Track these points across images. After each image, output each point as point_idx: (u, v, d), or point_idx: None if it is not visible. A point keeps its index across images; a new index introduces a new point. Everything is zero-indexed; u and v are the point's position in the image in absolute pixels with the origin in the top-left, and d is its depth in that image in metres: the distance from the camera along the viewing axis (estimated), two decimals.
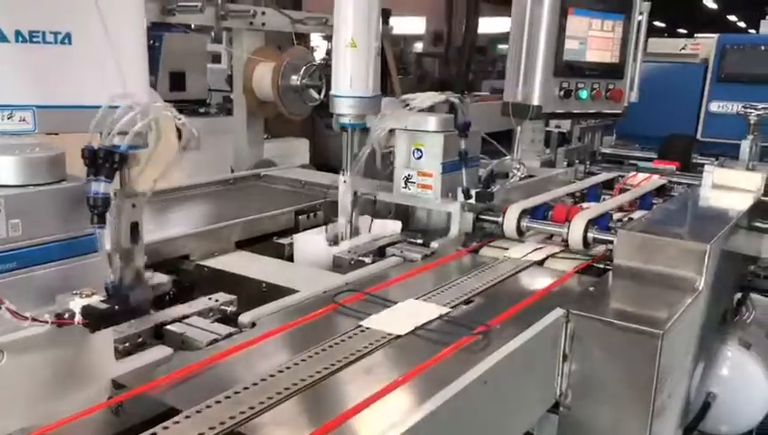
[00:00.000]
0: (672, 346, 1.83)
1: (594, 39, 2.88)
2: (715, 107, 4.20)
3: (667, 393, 1.92)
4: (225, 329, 1.63)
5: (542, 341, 1.75)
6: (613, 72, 2.99)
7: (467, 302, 1.90)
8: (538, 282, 2.12)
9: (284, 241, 2.39)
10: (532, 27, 2.76)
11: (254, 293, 1.99)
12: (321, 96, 5.91)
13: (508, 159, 2.95)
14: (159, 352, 1.50)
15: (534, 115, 2.83)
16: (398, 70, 11.74)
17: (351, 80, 2.32)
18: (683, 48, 4.73)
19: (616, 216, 2.86)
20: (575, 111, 2.94)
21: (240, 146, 6.01)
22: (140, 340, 1.58)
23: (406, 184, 2.59)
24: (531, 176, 3.39)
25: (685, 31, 27.78)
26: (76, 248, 1.30)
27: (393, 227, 2.54)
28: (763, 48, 4.12)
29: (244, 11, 5.56)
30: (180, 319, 1.67)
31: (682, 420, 2.54)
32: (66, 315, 1.24)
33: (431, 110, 2.66)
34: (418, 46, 23.72)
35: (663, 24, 28.86)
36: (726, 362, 3.11)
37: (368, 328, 1.66)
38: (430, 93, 2.71)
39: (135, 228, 1.59)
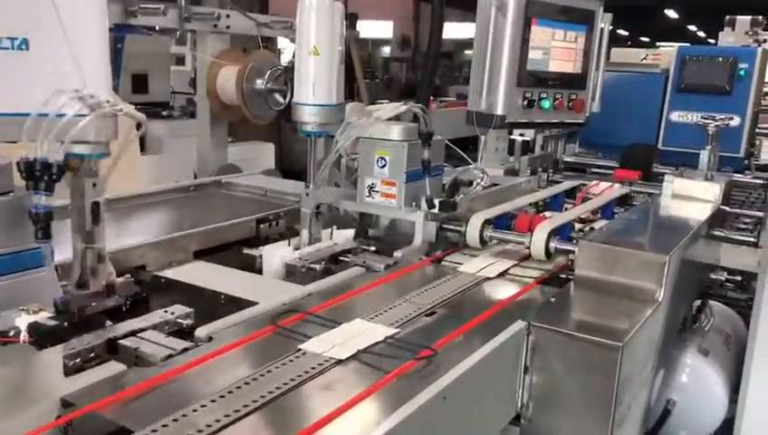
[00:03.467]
0: (632, 358, 1.84)
1: (557, 49, 2.90)
2: (675, 116, 4.25)
3: (626, 404, 1.93)
4: (180, 344, 1.58)
5: (503, 353, 1.75)
6: (576, 82, 3.02)
7: (429, 313, 1.88)
8: (500, 293, 2.12)
9: (251, 252, 2.35)
10: (496, 37, 2.77)
11: (212, 305, 1.94)
12: (286, 100, 5.88)
13: (473, 167, 2.95)
14: (111, 368, 1.45)
15: (498, 125, 2.83)
16: (364, 74, 11.74)
17: (314, 88, 2.29)
18: (644, 58, 4.79)
19: (578, 225, 2.88)
20: (538, 121, 2.95)
21: (203, 150, 5.94)
22: (93, 355, 1.53)
23: (369, 193, 2.57)
24: (495, 184, 3.40)
25: (647, 39, 28.35)
26: (22, 263, 1.26)
27: (348, 234, 2.52)
28: (720, 60, 4.19)
29: (207, 13, 5.51)
30: (135, 333, 1.62)
31: (642, 428, 2.56)
32: (12, 333, 1.20)
33: (396, 119, 2.66)
34: (386, 50, 23.78)
35: (626, 33, 29.40)
36: (685, 370, 3.16)
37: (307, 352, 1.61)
38: (394, 104, 2.71)
39: (96, 208, 1.55)
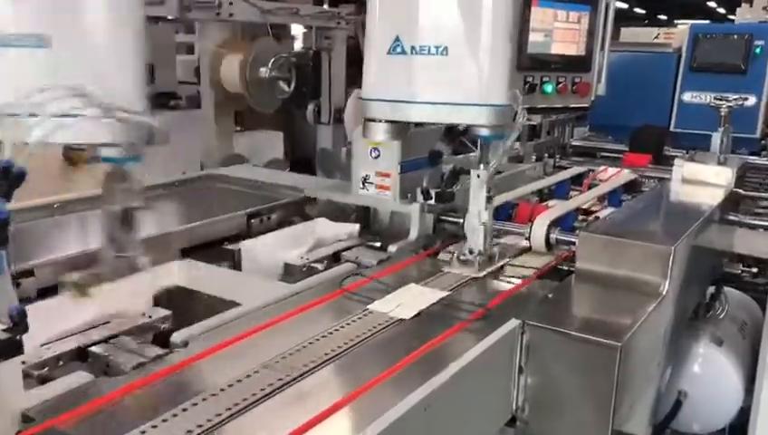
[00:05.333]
0: (633, 356, 1.75)
1: (559, 31, 2.77)
2: (688, 97, 4.11)
3: (628, 404, 1.84)
4: (154, 350, 1.52)
5: (496, 354, 1.67)
6: (580, 64, 2.88)
7: (418, 314, 1.80)
8: (496, 288, 2.02)
9: (233, 247, 2.27)
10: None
11: (196, 306, 1.88)
12: (291, 88, 5.80)
13: (474, 155, 2.84)
14: (77, 378, 1.39)
15: None
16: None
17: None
18: (656, 37, 4.65)
19: (591, 209, 2.78)
20: (540, 106, 2.82)
21: (209, 140, 5.88)
22: (61, 364, 1.47)
23: (364, 185, 2.49)
24: (499, 172, 3.29)
25: (665, 18, 27.83)
26: None
27: (351, 230, 2.44)
28: (735, 37, 4.03)
29: (209, 2, 5.41)
30: (108, 339, 1.56)
31: (649, 423, 2.47)
32: None
33: None
34: None
35: (643, 11, 28.86)
36: (698, 360, 3.06)
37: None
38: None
39: (129, 215, 1.47)
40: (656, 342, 2.05)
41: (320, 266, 2.16)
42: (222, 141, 5.91)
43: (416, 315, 1.75)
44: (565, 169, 3.46)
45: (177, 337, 1.59)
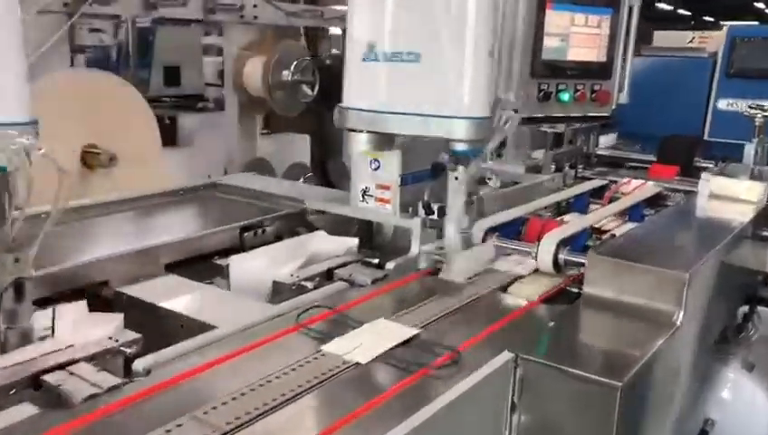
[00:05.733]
0: (638, 395, 1.60)
1: (577, 36, 2.62)
2: (723, 105, 3.90)
3: None
4: (111, 380, 1.41)
5: (486, 389, 1.53)
6: (599, 71, 2.73)
7: (406, 341, 1.66)
8: (494, 313, 1.87)
9: (223, 262, 2.17)
10: (506, 23, 2.51)
11: (172, 328, 1.78)
12: (314, 92, 5.70)
13: (489, 166, 2.71)
14: (19, 413, 1.29)
15: None
16: None
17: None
18: (690, 41, 4.43)
19: (608, 225, 2.61)
20: (556, 115, 2.68)
21: (232, 144, 5.83)
22: (14, 393, 1.38)
23: (363, 197, 2.37)
24: (516, 183, 3.14)
25: (711, 19, 27.04)
26: None
27: (349, 244, 2.32)
28: None
29: (232, 4, 5.36)
30: (66, 364, 1.46)
31: None
32: None
33: None
34: None
35: (688, 13, 28.08)
36: (727, 385, 2.88)
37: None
38: None
39: (20, 287, 1.41)
40: (668, 376, 1.88)
41: (309, 285, 2.04)
42: (245, 145, 5.86)
43: (375, 359, 1.52)
44: (588, 180, 3.28)
45: (139, 364, 1.50)
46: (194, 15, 5.24)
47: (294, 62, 5.42)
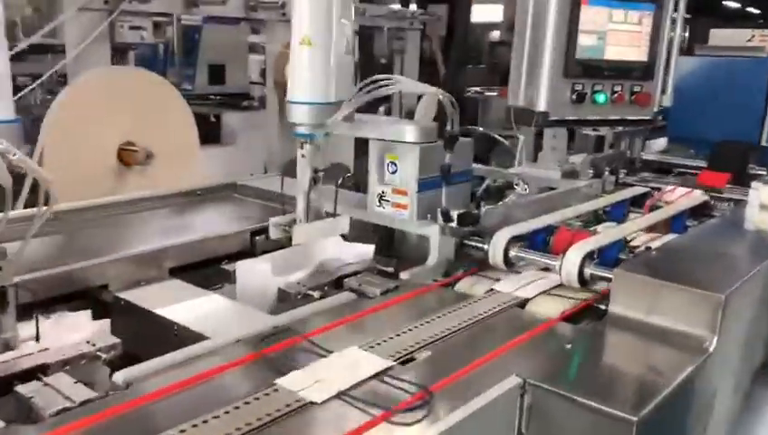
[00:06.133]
0: (657, 432, 1.44)
1: (615, 33, 2.45)
2: None
3: None
4: (84, 393, 1.34)
5: (488, 417, 1.40)
6: (640, 71, 2.55)
7: (404, 361, 1.54)
8: (506, 333, 1.73)
9: (230, 267, 2.09)
10: (538, 19, 2.36)
11: (166, 336, 1.70)
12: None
13: (511, 172, 2.55)
14: None
15: (540, 123, 2.43)
16: (470, 60, 11.26)
17: (307, 83, 1.99)
18: (749, 39, 4.15)
19: (641, 239, 2.43)
20: (591, 118, 2.51)
21: (273, 142, 5.80)
22: None
23: (380, 202, 2.26)
24: (552, 188, 2.97)
25: None
26: None
27: (365, 251, 2.21)
28: None
29: (273, 2, 5.32)
30: (39, 369, 1.40)
31: None
32: None
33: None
34: (495, 35, 22.92)
35: (758, 11, 26.92)
36: None
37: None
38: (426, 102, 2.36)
39: (3, 295, 1.36)
40: (700, 408, 1.71)
41: (316, 294, 1.94)
42: (286, 144, 5.81)
43: (331, 398, 1.34)
44: (630, 186, 3.09)
45: (119, 376, 1.42)
46: (235, 13, 5.23)
47: None
